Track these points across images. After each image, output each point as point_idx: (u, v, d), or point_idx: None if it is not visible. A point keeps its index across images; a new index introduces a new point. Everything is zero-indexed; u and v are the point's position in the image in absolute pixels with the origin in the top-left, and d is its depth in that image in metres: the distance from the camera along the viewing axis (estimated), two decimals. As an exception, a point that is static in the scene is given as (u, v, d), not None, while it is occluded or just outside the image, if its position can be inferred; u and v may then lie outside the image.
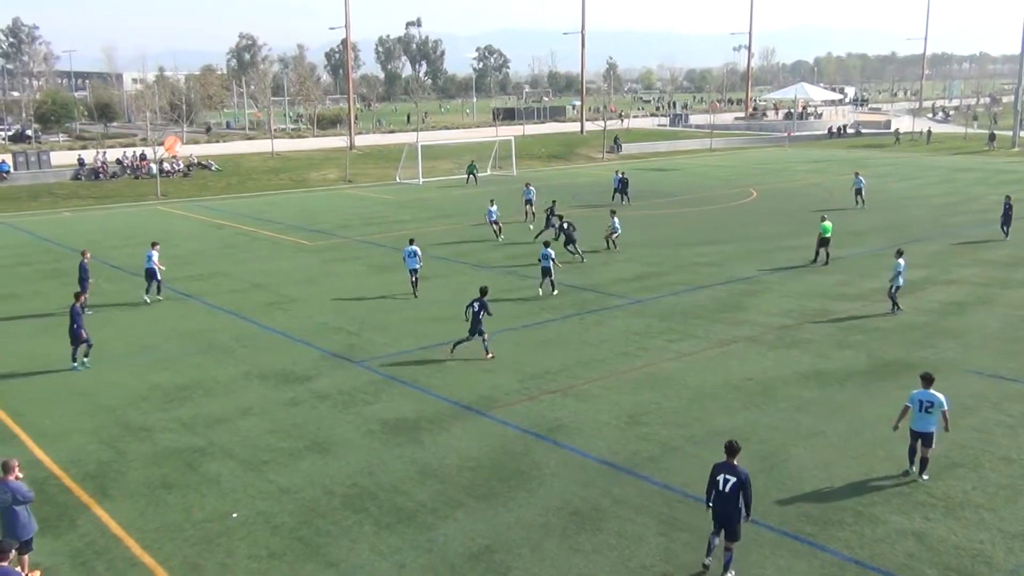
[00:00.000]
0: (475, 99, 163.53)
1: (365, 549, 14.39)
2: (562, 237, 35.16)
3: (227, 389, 21.09)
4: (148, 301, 29.16)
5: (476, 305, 22.61)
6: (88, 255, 29.62)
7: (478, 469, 16.86)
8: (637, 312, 27.14)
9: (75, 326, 22.52)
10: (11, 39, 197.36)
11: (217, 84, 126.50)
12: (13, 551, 12.76)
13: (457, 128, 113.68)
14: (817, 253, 33.67)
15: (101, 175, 63.98)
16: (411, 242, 30.14)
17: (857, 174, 49.48)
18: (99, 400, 20.51)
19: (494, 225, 39.64)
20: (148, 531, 14.98)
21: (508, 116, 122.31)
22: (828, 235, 33.42)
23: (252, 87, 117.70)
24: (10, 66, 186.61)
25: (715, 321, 25.89)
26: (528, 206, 44.69)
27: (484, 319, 22.79)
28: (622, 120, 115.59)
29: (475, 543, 14.49)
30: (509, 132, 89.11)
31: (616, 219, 36.62)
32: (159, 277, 29.65)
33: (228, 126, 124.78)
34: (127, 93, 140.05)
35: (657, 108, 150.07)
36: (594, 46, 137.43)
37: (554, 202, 40.63)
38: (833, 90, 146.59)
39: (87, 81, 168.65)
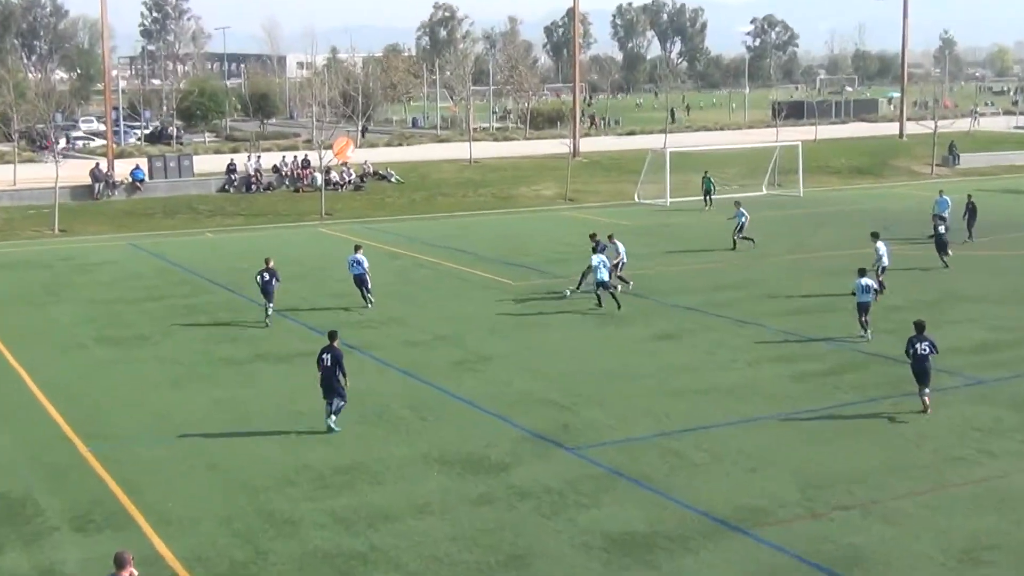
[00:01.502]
0: (747, 89, 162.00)
1: None
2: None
3: (398, 476, 21.36)
4: (371, 306, 35.44)
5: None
6: (272, 262, 34.26)
7: (736, 612, 16.20)
8: (979, 397, 25.72)
9: (338, 376, 23.48)
10: (155, 14, 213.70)
11: (403, 69, 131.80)
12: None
13: (719, 129, 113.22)
14: None
15: (254, 186, 67.77)
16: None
17: None
18: (237, 477, 21.26)
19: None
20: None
21: (794, 113, 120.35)
22: None
23: (448, 73, 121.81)
24: (153, 47, 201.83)
25: (1093, 416, 24.08)
26: (737, 232, 46.53)
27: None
28: (974, 119, 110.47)
29: None
30: (794, 135, 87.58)
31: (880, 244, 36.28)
32: (369, 285, 35.72)
33: (415, 124, 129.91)
34: (290, 81, 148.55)
35: (1015, 103, 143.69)
36: (921, 15, 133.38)
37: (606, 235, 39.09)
38: None
39: (242, 66, 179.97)
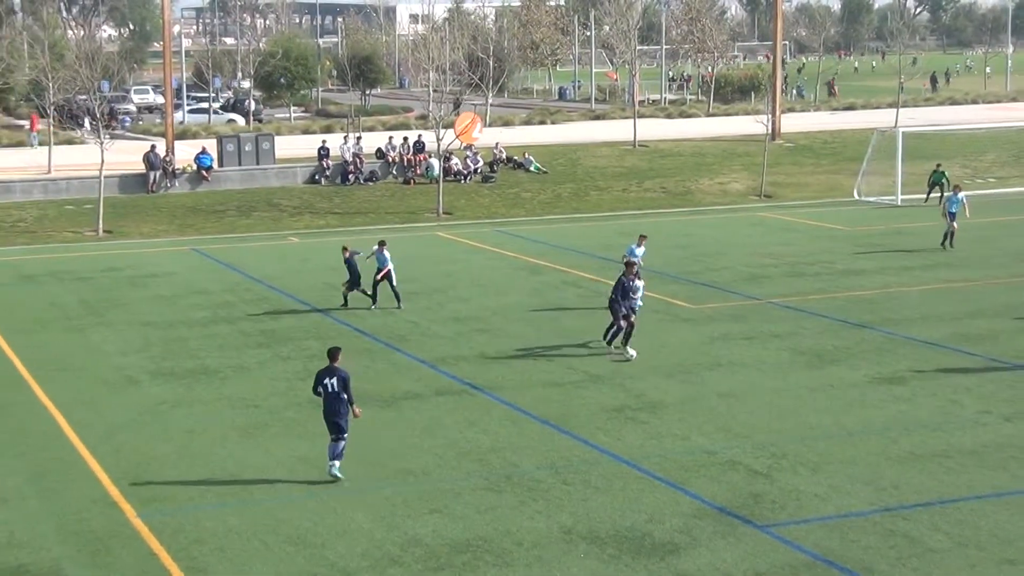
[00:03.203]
0: (1011, 48, 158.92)
1: None
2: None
3: (532, 556, 21.46)
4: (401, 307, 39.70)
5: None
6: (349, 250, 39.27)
7: None
8: None
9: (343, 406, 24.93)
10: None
11: (548, 23, 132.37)
12: None
13: (971, 102, 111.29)
14: None
15: (352, 176, 68.89)
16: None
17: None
18: (326, 555, 21.57)
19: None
20: None
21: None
22: None
23: (607, 28, 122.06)
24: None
25: None
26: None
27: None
28: None
29: None
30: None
31: None
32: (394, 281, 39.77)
33: (563, 95, 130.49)
34: (400, 39, 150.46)
35: None
36: None
37: None
38: None
39: (339, 20, 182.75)
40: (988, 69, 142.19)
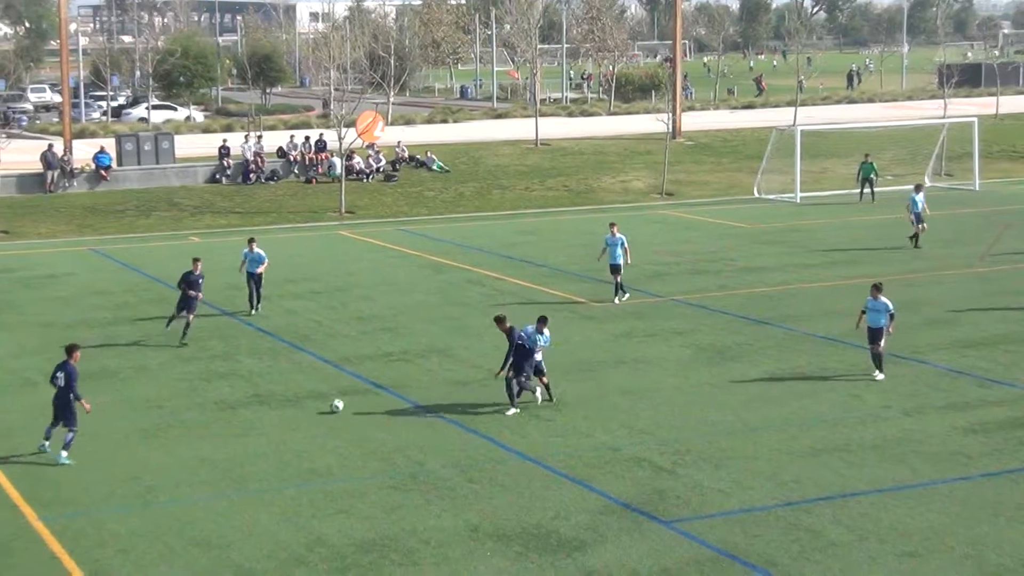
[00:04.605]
0: (906, 48, 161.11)
1: None
2: None
3: (439, 555, 21.47)
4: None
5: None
6: (200, 266, 36.35)
7: None
8: None
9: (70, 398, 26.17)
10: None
11: (449, 22, 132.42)
12: None
13: (868, 100, 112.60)
14: None
15: (253, 175, 68.50)
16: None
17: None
18: (231, 556, 21.45)
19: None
20: None
21: (968, 79, 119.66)
22: None
23: (508, 27, 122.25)
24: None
25: None
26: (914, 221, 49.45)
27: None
28: None
29: None
30: (968, 109, 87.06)
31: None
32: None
33: (464, 94, 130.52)
34: (301, 38, 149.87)
35: None
36: None
37: None
38: None
39: (238, 18, 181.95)
40: (883, 69, 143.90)
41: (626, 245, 40.27)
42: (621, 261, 40.09)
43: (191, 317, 35.76)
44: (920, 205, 48.84)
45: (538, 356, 29.25)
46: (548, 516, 23.02)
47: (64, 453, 25.80)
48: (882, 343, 31.23)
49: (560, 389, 30.58)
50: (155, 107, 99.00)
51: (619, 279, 40.33)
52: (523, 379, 29.08)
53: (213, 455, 26.43)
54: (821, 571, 20.64)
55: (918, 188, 50.29)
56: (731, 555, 21.29)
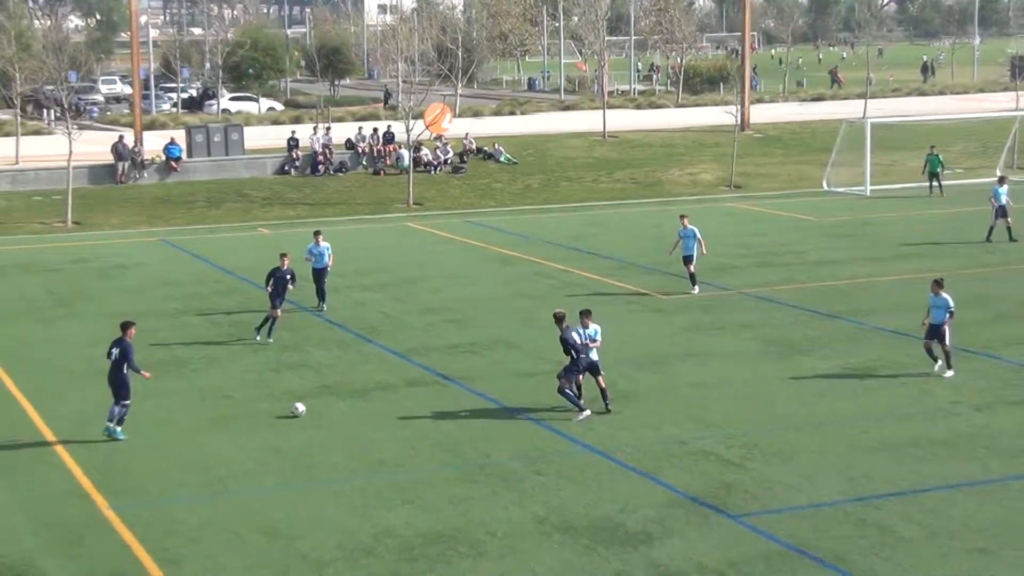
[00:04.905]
0: (977, 39, 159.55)
1: None
2: None
3: (506, 547, 21.51)
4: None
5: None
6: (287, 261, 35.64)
7: None
8: None
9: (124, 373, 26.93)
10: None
11: (516, 14, 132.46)
12: None
13: (938, 93, 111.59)
14: None
15: (321, 167, 68.85)
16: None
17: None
18: (298, 547, 21.59)
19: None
20: None
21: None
22: None
23: (576, 19, 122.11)
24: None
25: None
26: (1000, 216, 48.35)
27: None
28: None
29: None
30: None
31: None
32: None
33: (532, 86, 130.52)
34: (369, 30, 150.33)
35: None
36: None
37: None
38: None
39: (307, 10, 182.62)
40: (955, 61, 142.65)
41: (699, 236, 40.02)
42: (695, 252, 39.92)
43: (278, 313, 35.27)
44: (1004, 198, 48.10)
45: (594, 356, 28.34)
46: (615, 509, 23.01)
47: (119, 428, 26.72)
48: (947, 341, 30.71)
49: (630, 381, 30.60)
50: (235, 98, 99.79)
51: (692, 269, 40.14)
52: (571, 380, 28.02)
53: (282, 445, 26.61)
54: (891, 567, 20.53)
55: (1002, 180, 49.60)
56: (799, 550, 21.20)
